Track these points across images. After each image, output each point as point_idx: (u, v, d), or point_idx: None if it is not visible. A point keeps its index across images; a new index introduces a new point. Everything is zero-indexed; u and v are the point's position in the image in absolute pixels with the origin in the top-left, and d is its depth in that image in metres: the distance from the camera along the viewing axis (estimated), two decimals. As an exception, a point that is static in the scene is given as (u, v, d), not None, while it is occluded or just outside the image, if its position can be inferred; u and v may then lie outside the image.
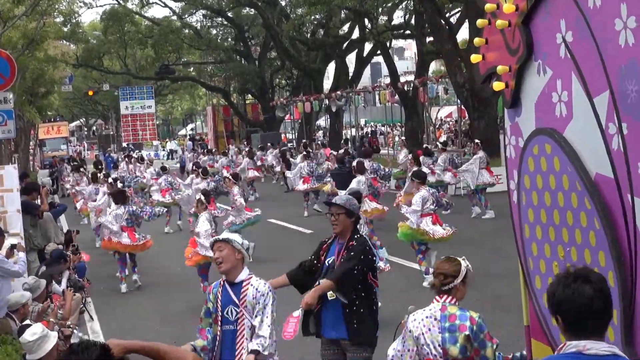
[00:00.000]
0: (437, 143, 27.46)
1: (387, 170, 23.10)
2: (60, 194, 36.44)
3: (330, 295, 7.18)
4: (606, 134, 4.84)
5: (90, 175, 25.14)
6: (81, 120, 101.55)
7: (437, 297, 5.90)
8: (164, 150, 74.80)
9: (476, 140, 23.35)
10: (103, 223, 16.50)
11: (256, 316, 6.50)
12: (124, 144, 64.76)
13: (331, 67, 52.16)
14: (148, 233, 16.89)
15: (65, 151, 62.06)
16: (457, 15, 38.83)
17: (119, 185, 20.50)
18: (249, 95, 58.88)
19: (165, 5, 56.61)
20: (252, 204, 24.19)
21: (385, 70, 53.57)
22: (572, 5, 5.02)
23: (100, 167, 30.55)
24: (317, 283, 7.28)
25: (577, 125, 5.19)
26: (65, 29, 48.40)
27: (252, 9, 51.40)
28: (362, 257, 7.30)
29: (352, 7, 38.90)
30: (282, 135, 54.51)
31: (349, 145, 37.47)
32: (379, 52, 45.49)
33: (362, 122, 59.31)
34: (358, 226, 7.73)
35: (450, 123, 56.71)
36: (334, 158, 25.27)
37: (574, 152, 5.20)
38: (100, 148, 73.23)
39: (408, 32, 44.62)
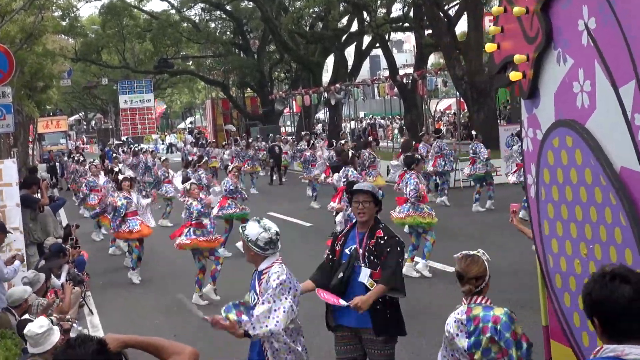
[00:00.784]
0: (430, 132, 27.60)
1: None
2: (59, 187, 36.51)
3: (371, 284, 6.86)
4: (632, 126, 4.62)
5: (90, 168, 25.05)
6: (80, 114, 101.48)
7: (464, 299, 5.56)
8: (163, 144, 74.78)
9: (473, 132, 23.34)
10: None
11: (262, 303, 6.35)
12: (123, 138, 64.72)
13: (330, 60, 52.15)
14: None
15: (65, 145, 62.06)
16: (456, 7, 38.81)
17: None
18: (248, 89, 58.85)
19: (164, -1, 56.66)
20: (253, 196, 24.18)
21: (384, 63, 53.53)
22: (595, -10, 4.74)
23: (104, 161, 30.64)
24: (340, 275, 6.99)
25: (600, 116, 4.94)
26: (64, 23, 48.34)
27: (251, 2, 51.36)
28: (399, 248, 7.00)
29: (351, 0, 38.89)
30: (282, 129, 54.54)
31: (348, 138, 37.45)
32: (377, 45, 45.46)
33: (361, 115, 59.30)
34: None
35: (450, 115, 56.70)
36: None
37: (598, 145, 4.94)
38: (99, 142, 73.23)
39: (407, 24, 44.59)
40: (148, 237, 16.83)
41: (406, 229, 14.71)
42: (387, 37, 44.43)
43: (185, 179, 18.22)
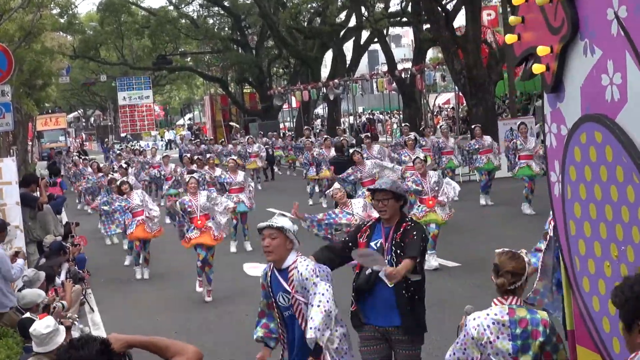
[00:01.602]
0: (430, 127, 27.62)
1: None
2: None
3: (414, 276, 6.68)
4: (667, 120, 4.34)
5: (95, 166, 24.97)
6: (79, 111, 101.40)
7: (499, 299, 5.25)
8: (162, 140, 74.76)
9: (473, 126, 23.30)
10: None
11: (311, 304, 6.23)
12: (122, 135, 64.69)
13: (328, 56, 52.07)
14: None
15: (64, 143, 62.02)
16: (454, 2, 38.77)
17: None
18: (247, 85, 58.81)
19: (162, -5, 56.62)
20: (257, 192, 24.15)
21: (382, 57, 53.50)
22: (626, -24, 4.48)
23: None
24: (367, 272, 6.80)
25: (632, 110, 4.66)
26: (62, 21, 48.28)
27: (249, -2, 51.37)
28: (422, 236, 6.81)
29: (349, -5, 38.88)
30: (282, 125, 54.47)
31: (347, 133, 37.48)
32: (376, 39, 45.42)
33: (360, 109, 59.29)
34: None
35: (448, 110, 56.69)
36: (330, 143, 25.07)
37: (630, 141, 4.64)
38: (98, 139, 73.16)
39: (405, 19, 44.54)
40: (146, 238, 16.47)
41: None
42: (385, 31, 44.37)
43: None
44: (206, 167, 20.75)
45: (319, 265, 6.44)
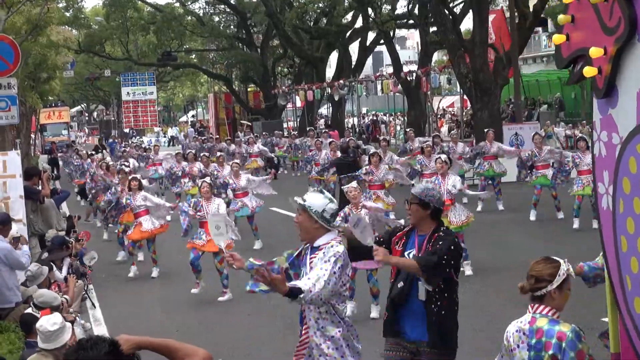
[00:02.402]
0: (437, 133, 27.58)
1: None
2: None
3: (427, 286, 6.55)
4: None
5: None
6: (82, 105, 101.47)
7: (530, 305, 5.06)
8: (165, 136, 74.76)
9: (486, 130, 23.22)
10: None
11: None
12: (125, 130, 64.70)
13: (334, 56, 52.10)
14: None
15: (67, 137, 62.02)
16: (461, 5, 38.74)
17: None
18: (251, 83, 58.80)
19: (168, -8, 56.60)
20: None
21: (387, 59, 53.48)
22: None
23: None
24: (400, 284, 6.72)
25: None
26: (68, 15, 48.32)
27: (255, -3, 51.34)
28: (451, 247, 6.63)
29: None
30: (285, 124, 54.49)
31: (351, 134, 37.49)
32: (382, 41, 45.41)
33: (364, 110, 59.30)
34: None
35: (452, 113, 56.68)
36: (335, 146, 25.04)
37: None
38: (101, 134, 73.16)
39: (412, 21, 44.53)
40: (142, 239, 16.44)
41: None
42: (391, 33, 44.37)
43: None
44: (214, 165, 21.20)
45: (346, 255, 6.21)
